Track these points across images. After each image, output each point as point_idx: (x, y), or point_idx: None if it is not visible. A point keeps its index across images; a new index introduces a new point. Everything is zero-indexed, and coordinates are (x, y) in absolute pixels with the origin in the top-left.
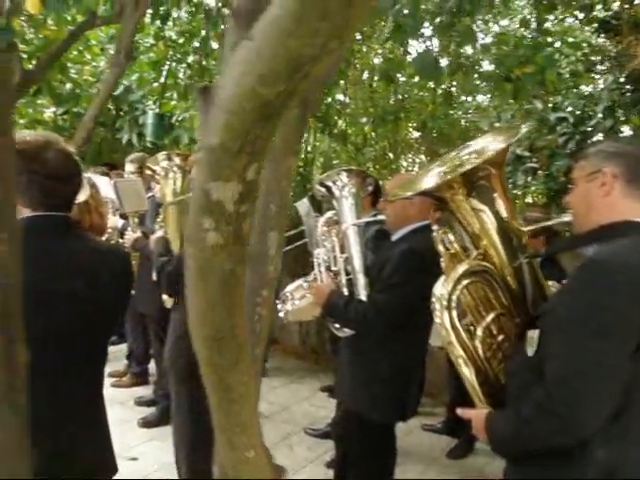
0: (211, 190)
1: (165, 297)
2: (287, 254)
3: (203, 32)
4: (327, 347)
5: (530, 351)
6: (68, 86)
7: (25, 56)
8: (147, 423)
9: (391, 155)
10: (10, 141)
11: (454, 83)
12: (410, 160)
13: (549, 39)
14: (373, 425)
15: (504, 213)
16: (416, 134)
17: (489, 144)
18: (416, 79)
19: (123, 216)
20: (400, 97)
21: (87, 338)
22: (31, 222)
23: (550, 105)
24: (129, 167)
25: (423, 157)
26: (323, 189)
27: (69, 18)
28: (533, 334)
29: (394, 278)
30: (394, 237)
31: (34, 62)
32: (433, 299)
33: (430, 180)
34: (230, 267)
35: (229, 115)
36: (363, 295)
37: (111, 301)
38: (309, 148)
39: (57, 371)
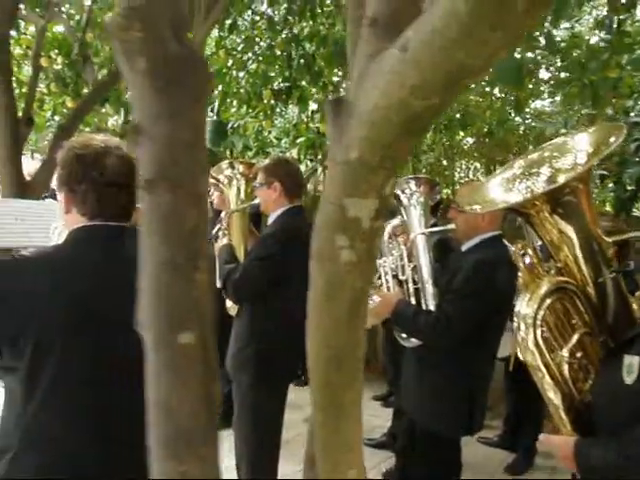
0: (347, 206)
1: (229, 304)
2: None
3: (263, 41)
4: (382, 356)
5: (629, 379)
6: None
7: (96, 67)
8: None
9: (445, 162)
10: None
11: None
12: (464, 167)
13: (628, 41)
14: (439, 438)
15: (590, 227)
16: (470, 140)
17: (574, 150)
18: (472, 85)
19: None
20: (455, 103)
21: (136, 354)
22: (88, 232)
23: (621, 110)
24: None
25: (478, 164)
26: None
27: None
28: (632, 360)
29: (466, 289)
30: (464, 247)
31: (103, 72)
32: (516, 318)
33: (512, 195)
34: (360, 285)
35: (370, 128)
36: (432, 305)
37: None
38: None
39: (107, 386)
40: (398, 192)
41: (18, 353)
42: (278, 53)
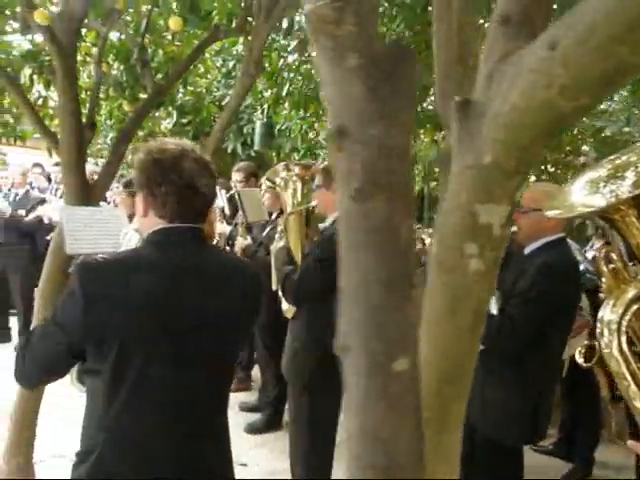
0: (479, 213)
1: (285, 307)
2: None
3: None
4: None
5: None
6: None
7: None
8: (254, 429)
9: None
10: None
11: None
12: None
13: None
14: (501, 447)
15: None
16: None
17: None
18: None
19: (229, 223)
20: None
21: (215, 355)
22: (167, 234)
23: None
24: (236, 176)
25: None
26: None
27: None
28: None
29: (531, 293)
30: (527, 250)
31: (159, 76)
32: (599, 324)
33: (595, 199)
34: (485, 296)
35: (506, 130)
36: (494, 309)
37: (240, 319)
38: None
39: (185, 386)
40: None
41: (102, 355)
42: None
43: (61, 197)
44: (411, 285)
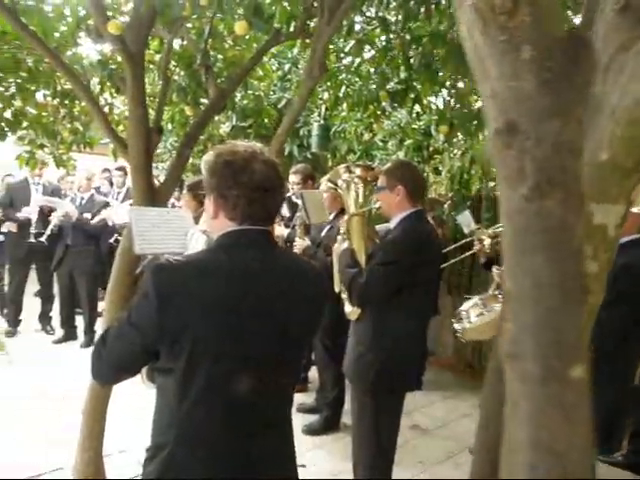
0: (594, 213)
1: (349, 309)
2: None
3: (375, 44)
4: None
5: None
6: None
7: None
8: (312, 431)
9: None
10: None
11: None
12: None
13: None
14: None
15: None
16: None
17: None
18: None
19: (286, 225)
20: None
21: (282, 355)
22: (237, 236)
23: None
24: (293, 178)
25: None
26: None
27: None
28: None
29: (611, 295)
30: None
31: (220, 80)
32: None
33: None
34: (596, 301)
35: (627, 126)
36: None
37: (307, 320)
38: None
39: (252, 385)
40: None
41: (174, 355)
42: (391, 55)
43: (122, 201)
44: (584, 290)
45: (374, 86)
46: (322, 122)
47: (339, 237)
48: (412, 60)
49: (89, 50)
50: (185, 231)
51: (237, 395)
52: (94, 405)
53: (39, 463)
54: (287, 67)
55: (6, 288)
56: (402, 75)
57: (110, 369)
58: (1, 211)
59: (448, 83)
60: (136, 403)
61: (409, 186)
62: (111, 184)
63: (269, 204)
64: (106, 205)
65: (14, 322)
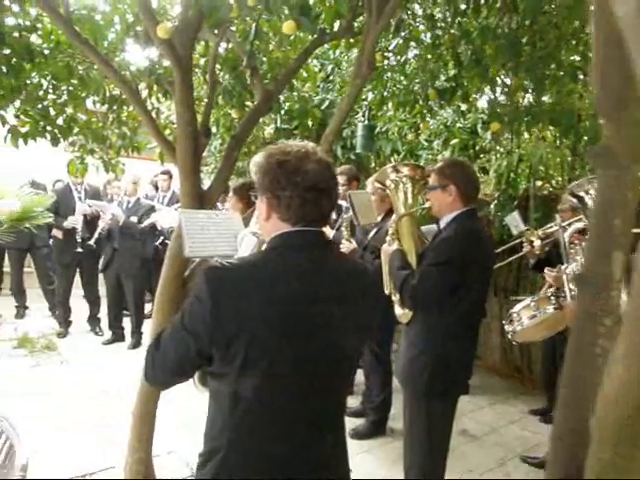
0: None
1: (400, 312)
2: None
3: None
4: (538, 367)
5: None
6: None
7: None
8: (358, 435)
9: None
10: None
11: None
12: None
13: None
14: None
15: None
16: None
17: None
18: None
19: (331, 227)
20: None
21: (337, 358)
22: (292, 238)
23: None
24: (338, 179)
25: None
26: (574, 199)
27: (296, 37)
28: None
29: None
30: None
31: (265, 82)
32: None
33: None
34: None
35: None
36: None
37: (361, 322)
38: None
39: (307, 388)
40: (581, 193)
41: (228, 359)
42: (438, 52)
43: (168, 204)
44: None
45: (419, 85)
46: (366, 122)
47: (388, 238)
48: (461, 56)
49: (136, 57)
50: (234, 233)
51: (292, 398)
52: (143, 408)
53: (91, 462)
54: (330, 68)
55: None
56: (450, 72)
57: (164, 374)
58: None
59: (497, 79)
60: (184, 404)
61: (462, 185)
62: (156, 188)
63: (323, 204)
64: (152, 209)
65: (65, 323)
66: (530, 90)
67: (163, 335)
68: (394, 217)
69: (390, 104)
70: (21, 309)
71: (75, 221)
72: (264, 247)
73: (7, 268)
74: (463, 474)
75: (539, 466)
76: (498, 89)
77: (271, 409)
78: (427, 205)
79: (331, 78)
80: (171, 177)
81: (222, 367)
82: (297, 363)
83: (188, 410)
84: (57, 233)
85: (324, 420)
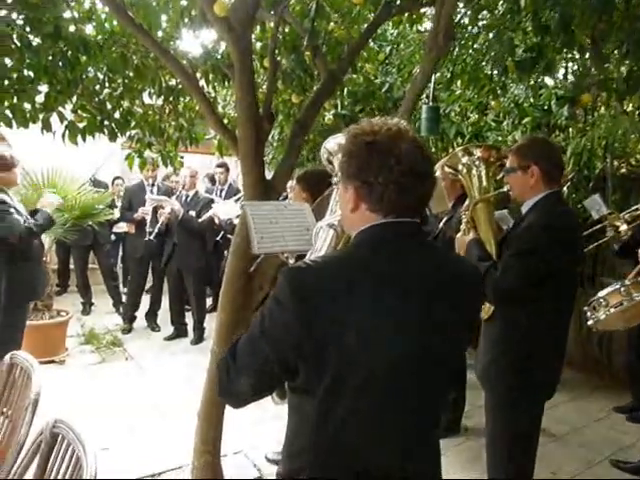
0: None
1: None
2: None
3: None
4: (620, 360)
5: None
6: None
7: None
8: None
9: None
10: None
11: None
12: None
13: None
14: None
15: None
16: None
17: None
18: None
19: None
20: None
21: (440, 363)
22: (385, 231)
23: None
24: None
25: None
26: None
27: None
28: None
29: None
30: None
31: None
32: None
33: None
34: None
35: None
36: None
37: (464, 321)
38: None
39: (407, 402)
40: None
41: (316, 373)
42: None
43: (225, 198)
44: None
45: (493, 58)
46: (431, 104)
47: (462, 227)
48: (545, 22)
49: (190, 46)
50: (306, 226)
51: (386, 415)
52: (209, 410)
53: (158, 461)
54: (388, 50)
55: (121, 286)
56: (530, 41)
57: (242, 388)
58: (118, 213)
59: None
60: (249, 405)
61: (545, 165)
62: (212, 182)
63: (420, 191)
64: (210, 202)
65: (130, 319)
66: (624, 55)
67: (239, 345)
68: (466, 203)
69: (457, 83)
70: (87, 305)
71: (146, 211)
72: (348, 242)
73: (72, 266)
74: (545, 477)
75: (634, 472)
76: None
77: (364, 427)
78: (505, 189)
79: (390, 60)
80: (228, 170)
81: (308, 383)
82: (393, 374)
83: (255, 408)
84: (129, 228)
85: (421, 438)
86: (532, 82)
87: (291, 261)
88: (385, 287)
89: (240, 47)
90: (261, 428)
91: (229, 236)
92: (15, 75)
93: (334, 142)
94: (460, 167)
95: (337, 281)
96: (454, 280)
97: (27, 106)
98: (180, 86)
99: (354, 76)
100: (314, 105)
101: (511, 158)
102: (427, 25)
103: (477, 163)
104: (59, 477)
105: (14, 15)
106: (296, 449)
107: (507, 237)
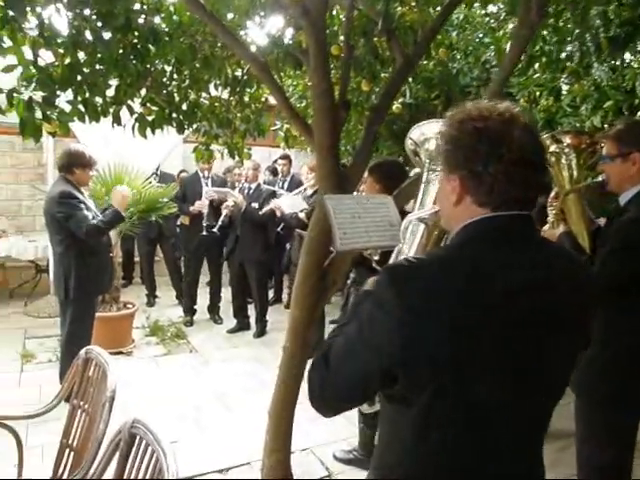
0: None
1: None
2: None
3: None
4: None
5: None
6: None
7: None
8: None
9: None
10: None
11: None
12: None
13: None
14: None
15: None
16: None
17: None
18: None
19: None
20: None
21: (556, 370)
22: (494, 225)
23: None
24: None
25: None
26: None
27: None
28: None
29: None
30: None
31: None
32: None
33: None
34: None
35: None
36: None
37: (583, 323)
38: None
39: (520, 415)
40: None
41: (418, 382)
42: None
43: (288, 190)
44: None
45: (579, 36)
46: (503, 91)
47: (551, 219)
48: None
49: (256, 37)
50: (389, 221)
51: (493, 427)
52: (281, 407)
53: (226, 456)
54: (454, 34)
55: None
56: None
57: (337, 397)
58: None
59: None
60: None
61: None
62: (273, 174)
63: (532, 182)
64: (273, 194)
65: (190, 312)
66: None
67: (334, 350)
68: (552, 194)
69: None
70: (151, 297)
71: (202, 205)
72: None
73: (136, 258)
74: None
75: None
76: None
77: (470, 441)
78: (600, 179)
79: (456, 46)
80: (290, 161)
81: (407, 391)
82: (512, 384)
83: None
84: (184, 220)
85: (531, 454)
86: (622, 61)
87: (375, 257)
88: (496, 288)
89: (315, 31)
90: (325, 425)
91: (301, 231)
92: (88, 70)
93: (419, 131)
94: (547, 156)
95: (445, 282)
96: (569, 282)
97: (98, 100)
98: (246, 77)
99: (424, 62)
100: (390, 92)
101: (608, 145)
102: (493, 8)
103: (567, 151)
104: (139, 477)
105: (87, 11)
106: (388, 461)
107: (602, 230)
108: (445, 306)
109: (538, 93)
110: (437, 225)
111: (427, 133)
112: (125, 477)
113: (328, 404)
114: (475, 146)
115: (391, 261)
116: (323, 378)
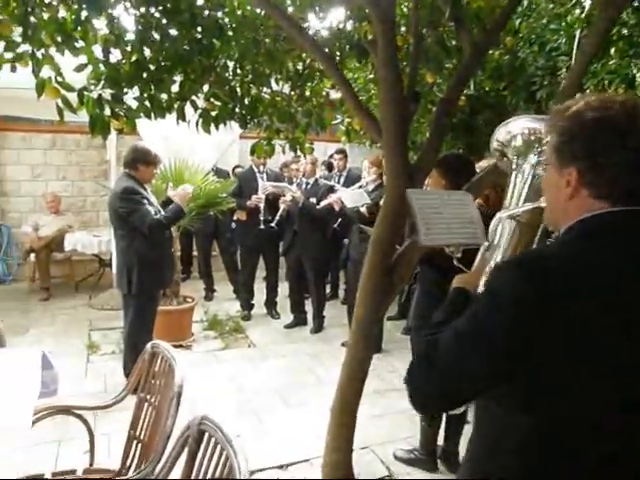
0: None
1: None
2: None
3: None
4: None
5: None
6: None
7: None
8: None
9: None
10: None
11: None
12: None
13: None
14: None
15: None
16: None
17: None
18: None
19: None
20: None
21: None
22: (616, 220)
23: None
24: None
25: None
26: None
27: None
28: None
29: None
30: None
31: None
32: None
33: None
34: None
35: None
36: None
37: None
38: None
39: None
40: None
41: (533, 384)
42: None
43: (344, 184)
44: None
45: None
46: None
47: None
48: None
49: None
50: (470, 217)
51: (601, 434)
52: (343, 406)
53: (286, 452)
54: (517, 23)
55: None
56: None
57: (443, 396)
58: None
59: None
60: (379, 393)
61: None
62: (329, 169)
63: None
64: (331, 189)
65: (247, 306)
66: None
67: (441, 345)
68: None
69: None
70: (209, 292)
71: (259, 200)
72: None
73: (194, 253)
74: None
75: None
76: None
77: (576, 447)
78: None
79: (522, 34)
80: (346, 156)
81: (520, 395)
82: (620, 394)
83: (383, 400)
84: (241, 215)
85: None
86: None
87: (458, 255)
88: (619, 292)
89: (385, 20)
90: (385, 423)
91: (364, 226)
92: (154, 66)
93: (505, 130)
94: None
95: (564, 283)
96: None
97: (164, 96)
98: (307, 71)
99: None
100: (459, 82)
101: None
102: None
103: None
104: (208, 477)
105: (152, 8)
106: (489, 469)
107: None
108: (563, 310)
109: (607, 81)
110: (530, 222)
111: (514, 130)
112: (194, 474)
113: (434, 402)
114: (595, 137)
115: (477, 260)
116: (430, 373)
